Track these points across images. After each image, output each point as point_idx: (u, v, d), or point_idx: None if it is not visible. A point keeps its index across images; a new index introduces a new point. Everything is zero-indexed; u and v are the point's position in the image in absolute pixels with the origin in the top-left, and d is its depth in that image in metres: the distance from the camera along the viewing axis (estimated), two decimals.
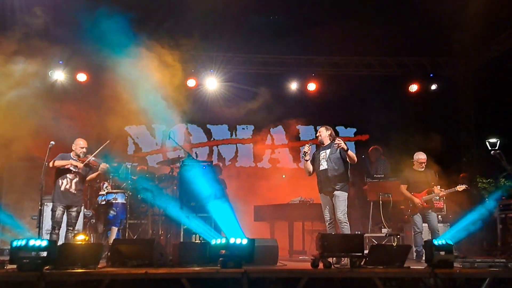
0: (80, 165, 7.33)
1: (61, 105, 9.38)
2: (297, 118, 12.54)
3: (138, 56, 8.85)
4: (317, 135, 7.43)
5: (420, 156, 8.11)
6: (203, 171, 7.99)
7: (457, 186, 8.04)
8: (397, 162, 9.84)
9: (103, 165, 7.48)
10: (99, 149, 7.53)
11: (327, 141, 7.22)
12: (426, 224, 7.99)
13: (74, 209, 7.33)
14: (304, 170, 7.44)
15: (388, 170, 10.03)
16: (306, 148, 7.15)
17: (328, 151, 7.11)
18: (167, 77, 9.12)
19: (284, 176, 12.02)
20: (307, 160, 7.25)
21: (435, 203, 8.19)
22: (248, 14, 10.12)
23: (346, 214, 6.90)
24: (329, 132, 7.25)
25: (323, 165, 7.09)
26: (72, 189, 7.30)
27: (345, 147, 6.86)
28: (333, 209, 6.99)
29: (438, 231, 7.88)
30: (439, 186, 8.06)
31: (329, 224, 7.10)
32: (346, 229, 6.83)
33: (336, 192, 6.92)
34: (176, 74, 9.41)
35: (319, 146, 7.34)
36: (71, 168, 7.36)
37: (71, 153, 7.48)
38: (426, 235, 8.11)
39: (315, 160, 7.25)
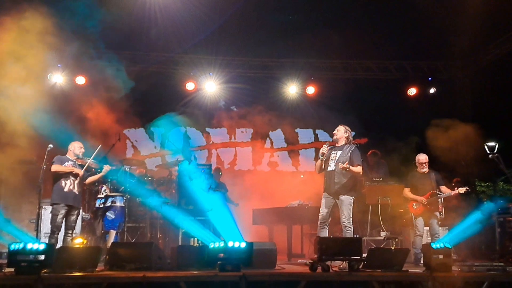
0: (81, 172, 7.29)
1: (59, 108, 9.37)
2: (296, 122, 12.56)
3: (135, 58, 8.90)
4: (333, 132, 7.21)
5: (420, 157, 8.08)
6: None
7: (459, 188, 7.97)
8: (395, 166, 9.85)
9: (107, 167, 7.50)
10: (96, 151, 7.49)
11: (341, 142, 7.05)
12: (428, 227, 7.98)
13: (75, 212, 7.27)
14: (301, 172, 7.40)
15: (386, 174, 10.02)
16: (325, 149, 6.95)
17: (339, 153, 6.94)
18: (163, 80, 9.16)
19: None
20: (322, 160, 7.04)
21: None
22: (248, 17, 10.12)
23: (350, 219, 6.77)
24: (346, 135, 7.05)
25: (331, 166, 6.94)
26: (75, 190, 7.24)
27: (346, 167, 6.72)
28: (330, 212, 6.88)
29: (439, 235, 7.85)
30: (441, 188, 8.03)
31: (320, 223, 6.89)
32: (349, 234, 6.70)
33: (341, 197, 6.80)
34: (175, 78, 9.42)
35: (333, 145, 7.14)
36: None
37: (67, 155, 7.43)
38: (425, 238, 8.12)
39: (325, 159, 7.04)
